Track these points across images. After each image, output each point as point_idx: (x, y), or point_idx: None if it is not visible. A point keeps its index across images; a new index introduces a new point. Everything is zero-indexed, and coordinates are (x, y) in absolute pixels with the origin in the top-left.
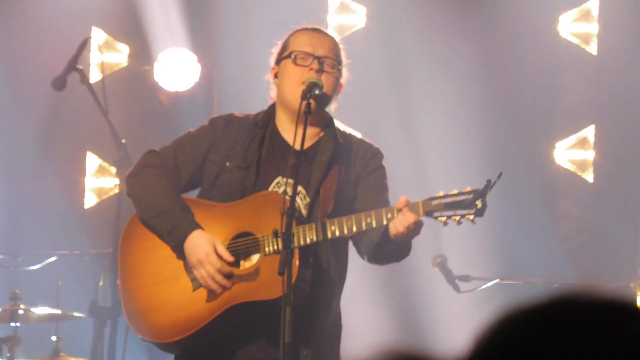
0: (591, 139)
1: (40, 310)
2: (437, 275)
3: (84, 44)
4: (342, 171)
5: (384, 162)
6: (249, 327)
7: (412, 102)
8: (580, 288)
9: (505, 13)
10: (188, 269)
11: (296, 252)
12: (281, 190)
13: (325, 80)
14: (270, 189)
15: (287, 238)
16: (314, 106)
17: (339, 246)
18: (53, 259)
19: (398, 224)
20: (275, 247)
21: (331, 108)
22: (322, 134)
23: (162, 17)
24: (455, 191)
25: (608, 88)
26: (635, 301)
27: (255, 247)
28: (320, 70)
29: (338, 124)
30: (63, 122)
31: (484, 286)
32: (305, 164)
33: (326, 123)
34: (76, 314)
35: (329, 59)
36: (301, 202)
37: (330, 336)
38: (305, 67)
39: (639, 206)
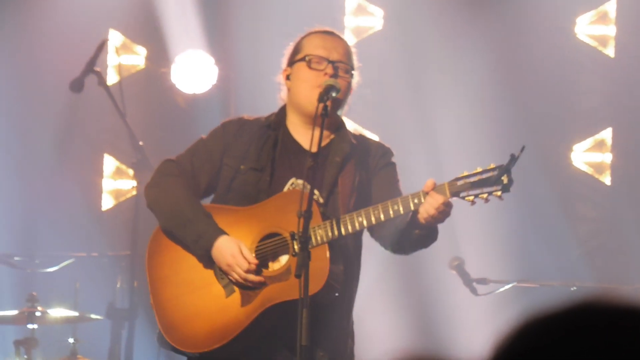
0: (608, 141)
1: (58, 312)
2: (454, 278)
3: (102, 47)
4: (357, 168)
5: (394, 159)
6: (285, 329)
7: (429, 103)
8: (601, 293)
9: (522, 15)
10: (219, 275)
11: (326, 248)
12: None
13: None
14: (284, 190)
15: (305, 240)
16: (330, 108)
17: (356, 248)
18: (70, 261)
19: (428, 207)
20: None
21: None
22: (333, 135)
23: (179, 19)
24: (479, 169)
25: (625, 90)
26: None
27: (284, 247)
28: (335, 75)
29: (349, 124)
30: (80, 124)
31: (501, 289)
32: (318, 165)
33: (337, 125)
34: (93, 316)
35: (342, 64)
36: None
37: (347, 338)
38: (320, 72)
39: None
